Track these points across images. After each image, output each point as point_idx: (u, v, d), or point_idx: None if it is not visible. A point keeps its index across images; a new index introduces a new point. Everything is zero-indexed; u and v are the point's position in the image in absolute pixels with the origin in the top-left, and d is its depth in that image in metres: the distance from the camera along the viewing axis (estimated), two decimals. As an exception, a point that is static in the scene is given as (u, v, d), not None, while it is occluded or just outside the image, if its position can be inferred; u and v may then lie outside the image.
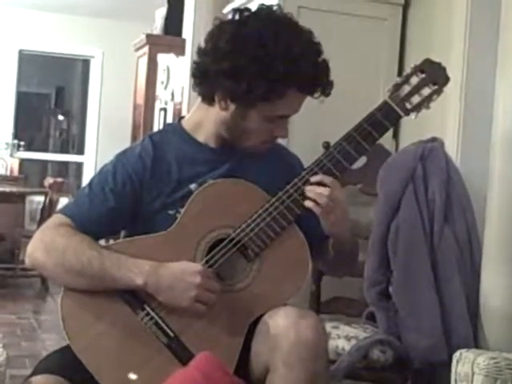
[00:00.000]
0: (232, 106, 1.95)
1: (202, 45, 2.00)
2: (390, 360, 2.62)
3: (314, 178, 1.96)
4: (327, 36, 3.32)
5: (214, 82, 1.95)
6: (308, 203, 1.95)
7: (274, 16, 1.98)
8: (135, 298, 1.91)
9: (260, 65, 1.87)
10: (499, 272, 2.41)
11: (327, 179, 1.95)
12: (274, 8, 2.02)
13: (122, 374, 1.88)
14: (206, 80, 1.98)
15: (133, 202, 2.00)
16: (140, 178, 2.01)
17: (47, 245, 1.94)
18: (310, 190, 1.95)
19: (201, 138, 2.07)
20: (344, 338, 2.68)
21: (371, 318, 2.81)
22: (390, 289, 2.70)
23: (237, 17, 1.98)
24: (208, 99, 2.00)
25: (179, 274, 1.89)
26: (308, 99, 2.00)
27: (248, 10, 2.00)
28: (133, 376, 1.87)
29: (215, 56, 1.93)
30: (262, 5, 2.04)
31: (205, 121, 2.05)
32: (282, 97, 1.92)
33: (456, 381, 1.84)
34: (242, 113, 1.96)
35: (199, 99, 2.06)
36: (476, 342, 2.49)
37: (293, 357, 1.79)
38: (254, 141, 2.01)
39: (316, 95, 1.99)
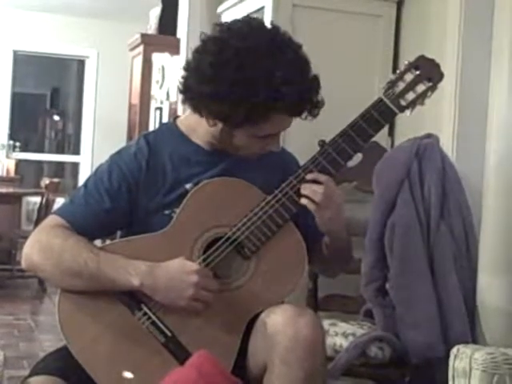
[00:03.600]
0: (219, 124, 1.95)
1: (189, 59, 1.97)
2: (388, 357, 2.62)
3: (309, 176, 1.96)
4: (322, 34, 3.36)
5: (198, 102, 1.94)
6: (303, 201, 1.95)
7: (257, 33, 1.92)
8: (132, 298, 1.91)
9: (240, 90, 1.85)
10: (496, 268, 2.42)
11: (322, 177, 1.95)
12: (260, 22, 1.98)
13: (120, 375, 1.88)
14: (190, 98, 1.96)
15: (128, 202, 2.00)
16: (135, 179, 2.01)
17: (43, 246, 1.94)
18: (305, 188, 1.95)
19: (195, 139, 2.07)
20: (342, 335, 2.68)
21: (369, 315, 2.82)
22: (387, 285, 2.71)
23: (219, 34, 1.93)
24: (197, 113, 1.99)
25: (176, 273, 1.89)
26: None
27: (231, 25, 1.95)
28: (130, 376, 1.88)
29: (197, 78, 1.91)
30: (249, 17, 2.02)
31: (198, 127, 2.05)
32: (266, 120, 1.90)
33: (454, 376, 1.85)
34: (229, 131, 1.96)
35: None
36: (473, 337, 2.49)
37: (290, 355, 1.79)
38: (245, 153, 2.01)
39: (303, 116, 1.96)
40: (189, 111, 2.09)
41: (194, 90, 1.93)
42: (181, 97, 2.02)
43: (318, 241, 2.13)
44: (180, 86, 1.99)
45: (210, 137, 2.02)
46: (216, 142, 2.03)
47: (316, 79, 1.94)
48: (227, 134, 1.97)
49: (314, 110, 1.96)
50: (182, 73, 1.98)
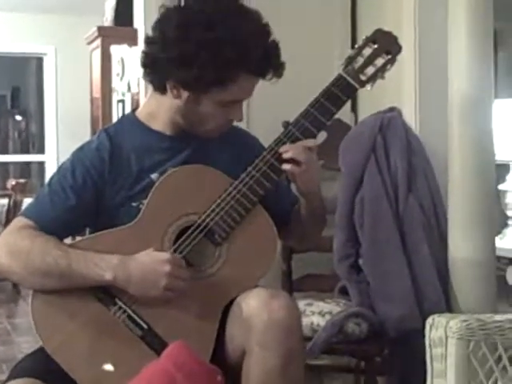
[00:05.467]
0: (185, 94, 1.94)
1: (150, 33, 1.97)
2: (365, 332, 2.64)
3: (282, 148, 1.96)
4: (278, 11, 3.33)
5: (164, 71, 1.93)
6: (285, 166, 1.95)
7: (217, 1, 1.94)
8: (106, 293, 1.90)
9: (209, 50, 1.85)
10: (465, 235, 2.43)
11: (295, 145, 1.96)
12: None
13: (99, 371, 1.87)
14: (155, 69, 1.96)
15: (94, 197, 1.98)
16: (99, 173, 1.99)
17: (11, 249, 1.92)
18: (288, 152, 1.95)
19: (157, 126, 2.05)
20: (318, 314, 2.69)
21: (344, 292, 2.83)
22: (360, 261, 2.72)
23: (182, 2, 1.96)
24: (160, 88, 1.98)
25: (148, 264, 1.88)
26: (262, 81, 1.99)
27: None
28: (110, 368, 1.87)
29: (163, 44, 1.91)
30: None
31: (159, 110, 2.04)
32: (233, 81, 1.91)
33: (430, 346, 1.85)
34: (195, 99, 1.94)
35: (151, 89, 2.04)
36: (448, 306, 2.51)
37: (267, 337, 1.80)
38: (209, 126, 2.00)
39: (268, 77, 1.97)
40: (147, 98, 2.08)
41: (160, 58, 1.92)
42: (142, 73, 2.01)
43: (289, 215, 2.15)
44: (142, 60, 1.98)
45: (173, 116, 2.01)
46: (179, 120, 2.01)
47: (277, 42, 1.96)
48: (193, 104, 1.95)
49: (278, 70, 1.96)
50: (144, 48, 1.98)
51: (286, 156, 1.95)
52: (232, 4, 1.95)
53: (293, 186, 2.11)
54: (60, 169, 2.03)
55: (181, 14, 1.93)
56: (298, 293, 2.95)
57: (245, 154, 2.04)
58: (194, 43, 1.86)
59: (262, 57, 1.91)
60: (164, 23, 1.94)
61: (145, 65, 1.98)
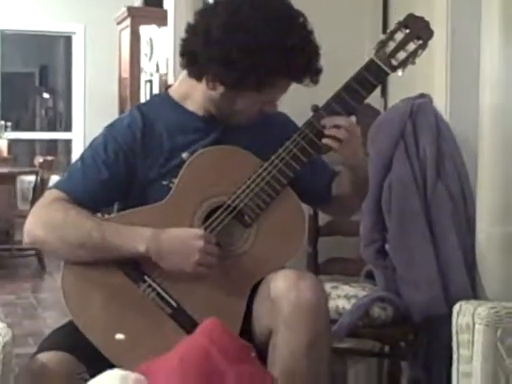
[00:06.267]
0: (220, 88, 1.94)
1: (192, 22, 1.96)
2: (391, 316, 2.64)
3: (324, 121, 1.96)
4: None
5: (204, 66, 1.93)
6: (325, 140, 1.96)
7: (268, 4, 1.93)
8: (136, 270, 1.92)
9: (252, 57, 1.85)
10: (493, 222, 2.43)
11: (337, 118, 1.97)
12: None
13: (127, 347, 1.89)
14: (194, 61, 1.95)
15: (126, 172, 2.00)
16: (131, 149, 2.00)
17: (45, 221, 1.94)
18: (330, 129, 1.95)
19: (190, 107, 2.06)
20: (344, 297, 2.70)
21: (370, 277, 2.83)
22: (387, 246, 2.72)
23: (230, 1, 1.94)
24: (196, 77, 1.98)
25: (181, 238, 1.90)
26: None
27: None
28: (138, 346, 1.89)
29: (206, 40, 1.90)
30: None
31: (192, 93, 2.04)
32: (272, 86, 1.92)
33: (457, 332, 1.86)
34: (230, 96, 1.95)
35: (184, 71, 2.04)
36: (474, 293, 2.51)
37: (294, 318, 1.81)
38: (241, 118, 2.02)
39: (305, 82, 1.98)
40: (181, 78, 2.08)
41: (200, 53, 1.92)
42: (180, 60, 2.01)
43: (329, 189, 2.17)
44: (181, 49, 1.98)
45: (207, 101, 2.02)
46: (212, 107, 2.02)
47: (319, 47, 1.96)
48: (228, 99, 1.96)
49: (316, 76, 1.98)
50: (184, 35, 1.98)
51: (328, 133, 1.96)
52: (279, 10, 1.93)
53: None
54: (92, 144, 2.05)
55: (228, 14, 1.90)
56: (324, 276, 2.96)
57: (274, 133, 2.05)
58: (237, 48, 1.86)
59: (302, 66, 1.92)
60: (210, 17, 1.93)
61: (183, 54, 1.98)
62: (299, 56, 1.89)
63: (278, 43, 1.87)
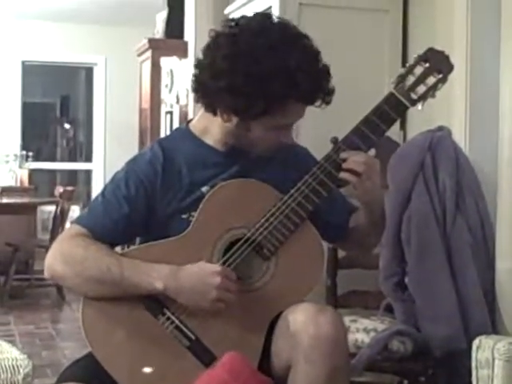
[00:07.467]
0: (234, 119, 1.96)
1: (200, 57, 1.99)
2: (410, 350, 2.63)
3: (343, 155, 1.96)
4: (329, 31, 3.37)
5: (214, 98, 1.95)
6: (343, 175, 1.96)
7: (267, 27, 1.94)
8: (155, 303, 1.93)
9: (257, 82, 1.87)
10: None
11: (357, 153, 1.96)
12: (268, 16, 1.99)
13: (146, 380, 1.89)
14: (205, 95, 1.98)
15: (146, 207, 2.02)
16: (152, 184, 2.02)
17: (65, 256, 1.96)
18: (346, 163, 1.95)
19: (210, 141, 2.08)
20: (363, 330, 2.69)
21: (389, 310, 2.82)
22: (406, 279, 2.71)
23: (230, 30, 1.95)
24: (211, 111, 2.00)
25: (198, 275, 1.90)
26: None
27: (239, 21, 1.97)
28: (157, 380, 1.88)
29: (212, 72, 1.93)
30: (256, 13, 2.03)
31: (211, 127, 2.06)
32: (282, 109, 1.92)
33: (477, 367, 1.85)
34: (245, 125, 1.97)
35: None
36: (494, 328, 2.49)
37: (314, 352, 1.80)
38: (260, 148, 2.02)
39: (317, 104, 1.98)
40: (200, 113, 2.10)
41: (209, 86, 1.94)
42: (194, 96, 2.04)
43: (347, 224, 2.17)
44: (193, 85, 2.01)
45: (225, 135, 2.03)
46: (230, 140, 2.04)
47: (327, 67, 1.96)
48: (243, 129, 1.98)
49: (327, 97, 1.98)
50: (194, 71, 2.00)
51: (346, 167, 1.96)
52: (279, 32, 1.94)
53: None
54: (114, 178, 2.06)
55: (230, 42, 1.92)
56: (343, 309, 2.95)
57: (294, 167, 2.06)
58: (242, 75, 1.88)
59: (309, 87, 1.92)
60: (213, 50, 1.95)
61: (195, 89, 2.01)
62: (304, 77, 1.89)
63: (281, 66, 1.87)
